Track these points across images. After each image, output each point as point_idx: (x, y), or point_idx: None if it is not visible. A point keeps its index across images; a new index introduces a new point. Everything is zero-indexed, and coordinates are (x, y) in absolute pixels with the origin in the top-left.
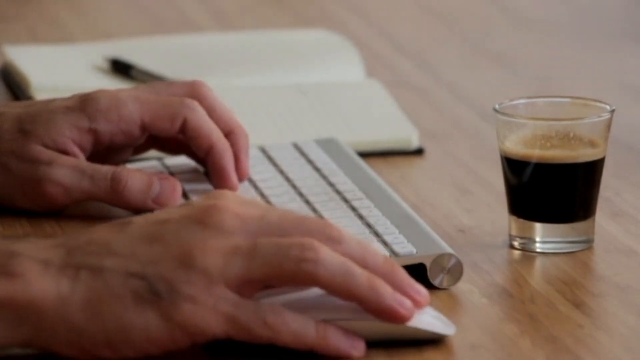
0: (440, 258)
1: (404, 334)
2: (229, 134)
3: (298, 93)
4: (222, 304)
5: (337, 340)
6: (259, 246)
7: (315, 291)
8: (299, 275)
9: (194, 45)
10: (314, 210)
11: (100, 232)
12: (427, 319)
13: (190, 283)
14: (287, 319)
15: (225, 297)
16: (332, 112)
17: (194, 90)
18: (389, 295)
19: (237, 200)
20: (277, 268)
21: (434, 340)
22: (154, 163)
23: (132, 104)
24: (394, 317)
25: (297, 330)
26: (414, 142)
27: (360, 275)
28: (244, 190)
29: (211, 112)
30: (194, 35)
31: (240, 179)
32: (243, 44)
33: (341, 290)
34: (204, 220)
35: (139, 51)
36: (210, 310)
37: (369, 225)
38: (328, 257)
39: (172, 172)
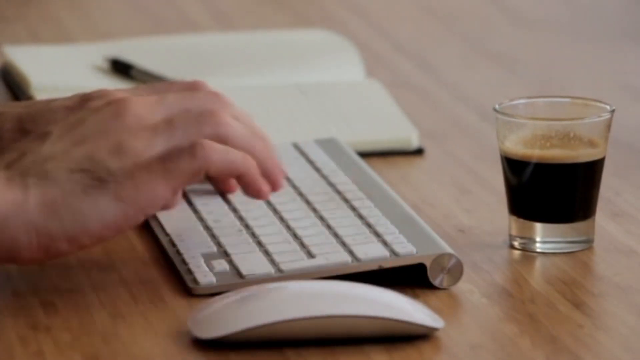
0: (440, 258)
1: (397, 329)
2: None
3: (298, 93)
4: (155, 167)
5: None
6: (174, 120)
7: (316, 286)
8: (216, 139)
9: (194, 45)
10: (314, 210)
11: (25, 146)
12: (418, 314)
13: (126, 164)
14: (214, 147)
15: (156, 163)
16: (332, 112)
17: None
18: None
19: (131, 92)
20: (197, 135)
21: (431, 339)
22: None
23: None
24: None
25: (225, 156)
26: (414, 142)
27: (259, 137)
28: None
29: None
30: (194, 35)
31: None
32: (243, 44)
33: (245, 148)
34: (118, 112)
35: (139, 51)
36: (148, 178)
37: (369, 225)
38: (232, 120)
39: None
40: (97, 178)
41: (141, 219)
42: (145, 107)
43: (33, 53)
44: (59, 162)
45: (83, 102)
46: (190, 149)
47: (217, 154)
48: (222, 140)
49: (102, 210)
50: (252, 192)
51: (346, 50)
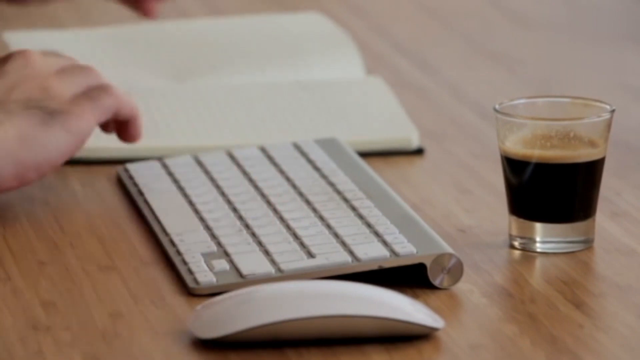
0: (440, 258)
1: (397, 329)
2: None
3: (298, 90)
4: (84, 103)
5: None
6: (68, 68)
7: (316, 286)
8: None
9: (191, 36)
10: (314, 210)
11: None
12: (418, 314)
13: (59, 103)
14: (121, 90)
15: (84, 100)
16: (333, 110)
17: None
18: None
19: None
20: (93, 79)
21: (431, 339)
22: (154, 163)
23: None
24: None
25: (129, 97)
26: (414, 142)
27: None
28: (245, 191)
29: None
30: (186, 21)
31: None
32: (241, 37)
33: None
34: (26, 61)
35: (135, 39)
36: (81, 112)
37: (369, 225)
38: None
39: (171, 172)
40: (47, 112)
41: (80, 148)
42: (41, 56)
43: (30, 38)
44: (12, 103)
45: None
46: (107, 89)
47: (125, 95)
48: (108, 86)
49: (59, 141)
50: (135, 134)
51: (345, 46)
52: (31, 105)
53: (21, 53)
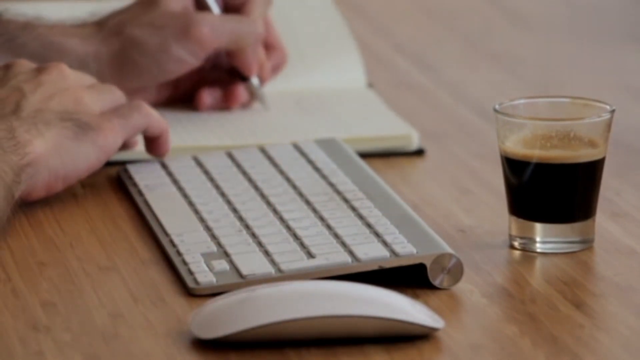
0: (440, 258)
1: (397, 329)
2: None
3: (297, 97)
4: (115, 120)
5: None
6: (103, 85)
7: (316, 286)
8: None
9: None
10: (314, 210)
11: (10, 99)
12: (418, 314)
13: (91, 118)
14: (150, 108)
15: (115, 117)
16: (332, 113)
17: None
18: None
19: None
20: (120, 95)
21: (431, 339)
22: (154, 163)
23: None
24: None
25: (158, 116)
26: (415, 143)
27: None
28: (245, 191)
29: None
30: None
31: None
32: None
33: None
34: (61, 72)
35: None
36: (111, 129)
37: (369, 226)
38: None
39: (171, 172)
40: (80, 126)
41: (104, 162)
42: (73, 70)
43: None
44: (50, 113)
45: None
46: (138, 107)
47: (154, 113)
48: (139, 105)
49: (88, 155)
50: (164, 149)
51: (345, 47)
52: (65, 117)
53: (56, 65)
